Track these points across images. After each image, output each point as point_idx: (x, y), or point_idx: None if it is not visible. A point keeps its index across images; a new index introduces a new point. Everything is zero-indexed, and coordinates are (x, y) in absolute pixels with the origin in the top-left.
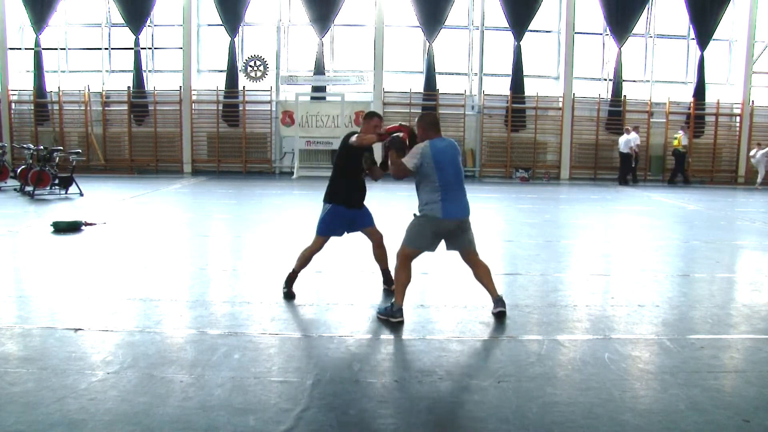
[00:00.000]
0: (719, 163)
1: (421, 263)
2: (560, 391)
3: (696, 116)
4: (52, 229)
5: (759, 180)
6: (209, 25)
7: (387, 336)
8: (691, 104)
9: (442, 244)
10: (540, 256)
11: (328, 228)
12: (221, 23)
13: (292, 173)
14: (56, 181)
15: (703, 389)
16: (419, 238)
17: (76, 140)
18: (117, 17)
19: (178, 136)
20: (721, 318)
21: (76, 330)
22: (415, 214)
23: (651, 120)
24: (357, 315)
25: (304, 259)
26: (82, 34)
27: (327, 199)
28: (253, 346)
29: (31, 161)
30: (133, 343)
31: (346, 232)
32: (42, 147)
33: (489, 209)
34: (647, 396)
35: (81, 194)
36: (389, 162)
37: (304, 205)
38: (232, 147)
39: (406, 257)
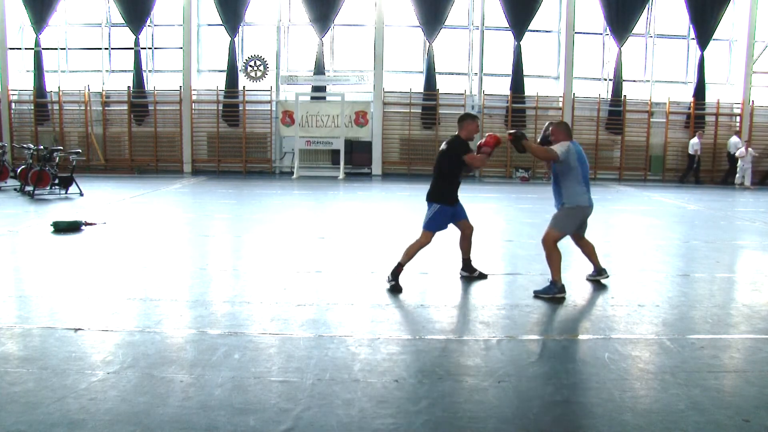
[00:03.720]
0: (719, 163)
1: (421, 263)
2: (560, 391)
3: (696, 116)
4: (52, 229)
5: (749, 181)
6: (209, 25)
7: (387, 336)
8: (691, 104)
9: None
10: (540, 256)
11: (438, 225)
12: (221, 23)
13: (292, 173)
14: (56, 181)
15: (704, 389)
16: (570, 224)
17: (76, 140)
18: (117, 17)
19: (178, 136)
20: (721, 318)
21: (76, 330)
22: (564, 204)
23: (651, 120)
24: (357, 315)
25: (412, 254)
26: (82, 34)
27: (435, 200)
28: (253, 346)
29: (31, 161)
30: (133, 343)
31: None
32: (42, 147)
33: (489, 209)
34: (647, 396)
35: (81, 194)
36: (536, 150)
37: (304, 205)
38: (232, 147)
39: (554, 240)
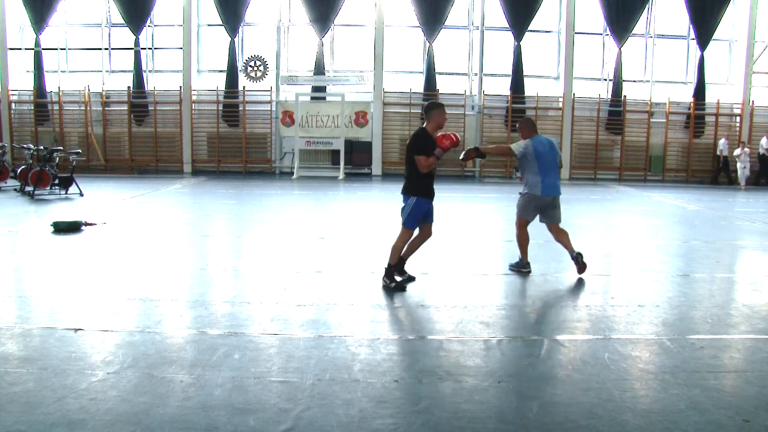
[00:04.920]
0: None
1: (421, 263)
2: (560, 391)
3: (696, 116)
4: (52, 229)
5: (743, 182)
6: (209, 25)
7: (387, 336)
8: (691, 104)
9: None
10: (540, 256)
11: (416, 220)
12: (221, 23)
13: (292, 173)
14: (56, 181)
15: (704, 389)
16: (526, 210)
17: (76, 140)
18: (117, 17)
19: (178, 136)
20: (721, 318)
21: (76, 330)
22: (520, 193)
23: (651, 120)
24: (357, 315)
25: (397, 251)
26: (82, 34)
27: (413, 193)
28: (253, 346)
29: (31, 161)
30: (133, 343)
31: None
32: (42, 147)
33: (489, 209)
34: (647, 396)
35: (81, 194)
36: (492, 150)
37: (304, 206)
38: (232, 147)
39: (521, 225)
